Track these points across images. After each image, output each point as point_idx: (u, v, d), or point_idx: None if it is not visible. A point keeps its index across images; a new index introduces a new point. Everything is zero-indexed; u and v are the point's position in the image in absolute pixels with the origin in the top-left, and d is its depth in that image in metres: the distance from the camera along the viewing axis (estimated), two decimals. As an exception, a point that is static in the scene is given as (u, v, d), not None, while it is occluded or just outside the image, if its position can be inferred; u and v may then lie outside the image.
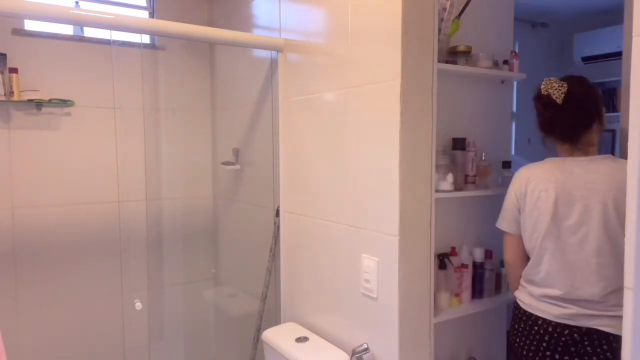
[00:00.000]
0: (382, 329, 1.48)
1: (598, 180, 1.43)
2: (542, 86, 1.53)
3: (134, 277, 2.44)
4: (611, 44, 3.36)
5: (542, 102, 1.52)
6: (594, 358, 1.42)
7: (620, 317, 1.30)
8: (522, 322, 1.56)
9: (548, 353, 1.48)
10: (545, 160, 1.56)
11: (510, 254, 1.64)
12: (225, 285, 2.65)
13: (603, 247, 1.41)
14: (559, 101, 1.48)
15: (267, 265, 2.15)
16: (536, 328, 1.51)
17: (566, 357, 1.45)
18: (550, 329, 1.47)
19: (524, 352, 1.56)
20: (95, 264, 2.33)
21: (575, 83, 1.53)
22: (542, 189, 1.50)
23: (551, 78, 1.53)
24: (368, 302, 1.53)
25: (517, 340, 1.58)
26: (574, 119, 1.50)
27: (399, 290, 1.42)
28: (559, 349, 1.46)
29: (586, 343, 1.43)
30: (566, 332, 1.45)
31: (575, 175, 1.47)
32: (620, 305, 1.34)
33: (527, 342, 1.54)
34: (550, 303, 1.49)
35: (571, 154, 1.52)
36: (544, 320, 1.49)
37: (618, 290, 1.40)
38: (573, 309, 1.44)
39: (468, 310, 1.70)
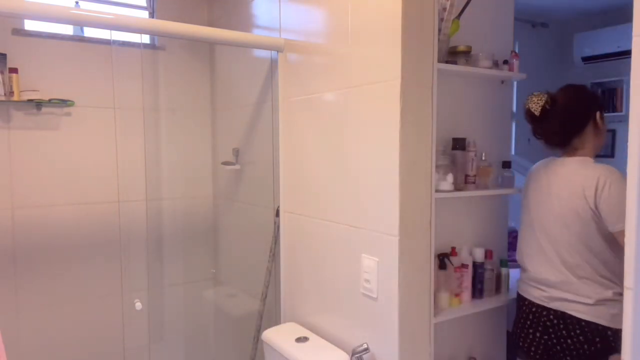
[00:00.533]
0: (382, 329, 1.48)
1: (564, 180, 1.63)
2: (526, 101, 1.71)
3: (134, 277, 2.44)
4: (611, 44, 3.36)
5: (526, 115, 1.72)
6: (569, 341, 1.59)
7: (589, 305, 1.55)
8: (517, 302, 1.79)
9: (531, 331, 1.69)
10: (547, 158, 1.76)
11: None
12: (225, 285, 2.65)
13: (565, 238, 1.60)
14: (536, 113, 1.66)
15: (267, 265, 2.15)
16: (524, 308, 1.73)
17: (545, 337, 1.64)
18: (533, 309, 1.68)
19: (516, 330, 1.77)
20: (95, 264, 2.33)
21: (561, 94, 1.68)
22: (532, 185, 1.75)
23: (535, 92, 1.70)
24: (368, 302, 1.53)
25: (515, 319, 1.79)
26: (556, 128, 1.67)
27: (399, 290, 1.42)
28: (540, 328, 1.66)
29: (562, 326, 1.60)
30: (544, 313, 1.65)
31: (554, 174, 1.67)
32: (587, 295, 1.55)
33: (517, 319, 1.77)
34: (533, 286, 1.70)
35: (562, 155, 1.70)
36: (530, 301, 1.70)
37: (586, 279, 1.56)
38: (547, 292, 1.64)
39: (468, 310, 1.70)
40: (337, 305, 1.68)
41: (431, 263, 1.50)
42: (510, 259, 2.01)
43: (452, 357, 1.77)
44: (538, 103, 1.66)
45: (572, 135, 1.65)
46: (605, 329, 1.53)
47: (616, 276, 1.56)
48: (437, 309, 1.62)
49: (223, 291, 2.68)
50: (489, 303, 1.77)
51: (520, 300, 1.75)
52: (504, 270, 1.86)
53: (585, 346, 1.55)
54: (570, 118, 1.64)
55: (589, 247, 1.56)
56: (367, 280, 1.52)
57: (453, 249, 1.74)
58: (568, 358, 1.58)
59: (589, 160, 1.62)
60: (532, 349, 1.68)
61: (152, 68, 2.49)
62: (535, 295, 1.67)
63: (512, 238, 3.42)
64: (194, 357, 2.69)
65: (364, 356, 1.51)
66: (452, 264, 1.71)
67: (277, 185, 2.02)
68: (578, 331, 1.56)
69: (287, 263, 1.99)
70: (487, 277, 1.78)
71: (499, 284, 1.86)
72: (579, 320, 1.56)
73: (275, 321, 2.09)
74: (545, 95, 1.66)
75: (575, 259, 1.58)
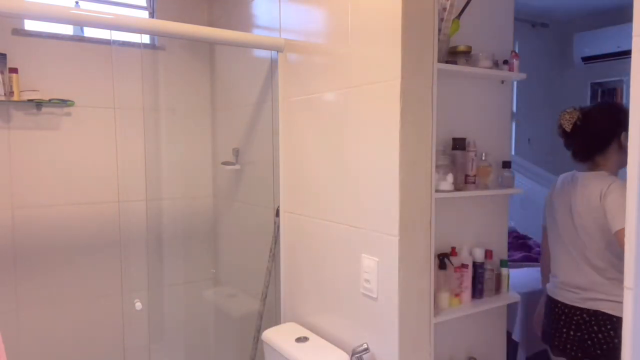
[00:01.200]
0: (382, 329, 1.48)
1: (583, 194, 1.76)
2: (559, 116, 1.85)
3: (134, 277, 2.44)
4: (611, 44, 3.37)
5: (559, 130, 1.85)
6: (600, 335, 1.71)
7: (620, 303, 1.65)
8: (548, 307, 1.92)
9: (565, 330, 1.81)
10: (571, 172, 1.89)
11: (543, 243, 2.03)
12: (225, 285, 2.65)
13: (591, 246, 1.74)
14: (568, 129, 1.81)
15: (267, 265, 2.15)
16: (556, 310, 1.86)
17: (578, 334, 1.77)
18: (566, 310, 1.81)
19: (549, 330, 1.89)
20: (95, 264, 2.33)
21: (591, 111, 1.82)
22: (557, 195, 1.88)
23: (568, 109, 1.83)
24: (368, 302, 1.53)
25: (545, 321, 1.94)
26: (583, 144, 1.81)
27: (399, 290, 1.42)
28: (573, 326, 1.79)
29: (593, 323, 1.73)
30: (577, 312, 1.77)
31: (576, 187, 1.80)
32: (617, 293, 1.69)
33: (549, 320, 1.90)
34: (566, 289, 1.82)
35: (585, 169, 1.83)
36: (563, 303, 1.83)
37: (615, 280, 1.69)
38: (580, 294, 1.77)
39: (468, 310, 1.70)
40: (337, 305, 1.68)
41: (431, 263, 1.50)
42: (510, 259, 2.01)
43: (452, 357, 1.77)
44: (570, 120, 1.80)
45: (595, 152, 1.79)
46: None
47: None
48: (437, 309, 1.62)
49: (223, 291, 2.68)
50: (489, 303, 1.77)
51: (552, 302, 1.88)
52: (504, 270, 1.86)
53: (616, 340, 1.68)
54: (594, 136, 1.77)
55: (612, 252, 1.70)
56: (367, 280, 1.52)
57: (453, 249, 1.74)
58: (599, 351, 1.72)
59: (605, 174, 1.75)
60: (568, 346, 1.81)
61: (152, 68, 2.49)
62: (569, 297, 1.80)
63: (512, 238, 3.43)
64: (194, 357, 2.69)
65: (364, 356, 1.51)
66: (452, 264, 1.71)
67: (277, 185, 2.02)
68: (609, 326, 1.69)
69: (287, 263, 1.99)
70: (487, 277, 1.78)
71: (499, 284, 1.86)
72: (610, 316, 1.69)
73: (275, 321, 2.09)
74: (578, 112, 1.80)
75: (603, 263, 1.71)
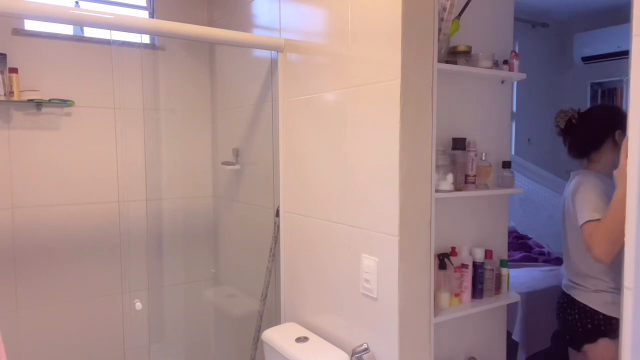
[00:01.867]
0: (382, 329, 1.48)
1: (567, 191, 1.87)
2: (556, 115, 1.94)
3: (134, 277, 2.44)
4: (611, 44, 3.37)
5: (556, 128, 1.95)
6: (569, 317, 1.90)
7: (588, 292, 1.84)
8: None
9: (558, 312, 1.99)
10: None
11: None
12: (225, 285, 2.65)
13: (573, 241, 1.87)
14: (561, 126, 1.91)
15: (267, 265, 2.15)
16: (558, 292, 2.02)
17: (562, 315, 1.96)
18: (560, 294, 1.98)
19: None
20: (95, 263, 2.34)
21: (587, 112, 1.90)
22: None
23: (564, 108, 1.92)
24: (368, 302, 1.53)
25: None
26: (578, 140, 1.89)
27: (399, 290, 1.42)
28: (562, 308, 1.95)
29: (568, 307, 1.91)
30: (562, 296, 1.96)
31: (567, 187, 1.90)
32: (586, 285, 1.84)
33: None
34: (563, 277, 1.97)
35: (583, 167, 1.90)
36: (560, 289, 1.99)
37: (586, 274, 1.83)
38: (565, 281, 1.95)
39: (468, 310, 1.70)
40: (337, 305, 1.69)
41: (431, 263, 1.50)
42: (510, 259, 2.02)
43: (452, 357, 1.77)
44: (564, 117, 1.90)
45: (590, 150, 1.86)
46: (598, 313, 1.80)
47: (609, 274, 1.80)
48: (437, 309, 1.62)
49: (223, 291, 2.68)
50: (489, 303, 1.77)
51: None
52: (504, 270, 1.86)
53: (579, 324, 1.85)
54: (589, 132, 1.85)
55: (579, 247, 1.81)
56: (367, 280, 1.52)
57: (453, 248, 1.74)
58: (568, 333, 1.91)
59: (587, 172, 1.84)
60: (560, 325, 1.99)
61: (152, 68, 2.49)
62: (563, 283, 1.98)
63: (512, 238, 3.43)
64: (194, 357, 2.69)
65: (364, 356, 1.51)
66: (452, 264, 1.71)
67: (277, 185, 2.02)
68: (576, 310, 1.86)
69: (287, 263, 1.99)
70: (487, 277, 1.78)
71: (499, 284, 1.86)
72: (578, 302, 1.86)
73: (275, 321, 2.09)
74: (574, 111, 1.89)
75: (579, 257, 1.85)
